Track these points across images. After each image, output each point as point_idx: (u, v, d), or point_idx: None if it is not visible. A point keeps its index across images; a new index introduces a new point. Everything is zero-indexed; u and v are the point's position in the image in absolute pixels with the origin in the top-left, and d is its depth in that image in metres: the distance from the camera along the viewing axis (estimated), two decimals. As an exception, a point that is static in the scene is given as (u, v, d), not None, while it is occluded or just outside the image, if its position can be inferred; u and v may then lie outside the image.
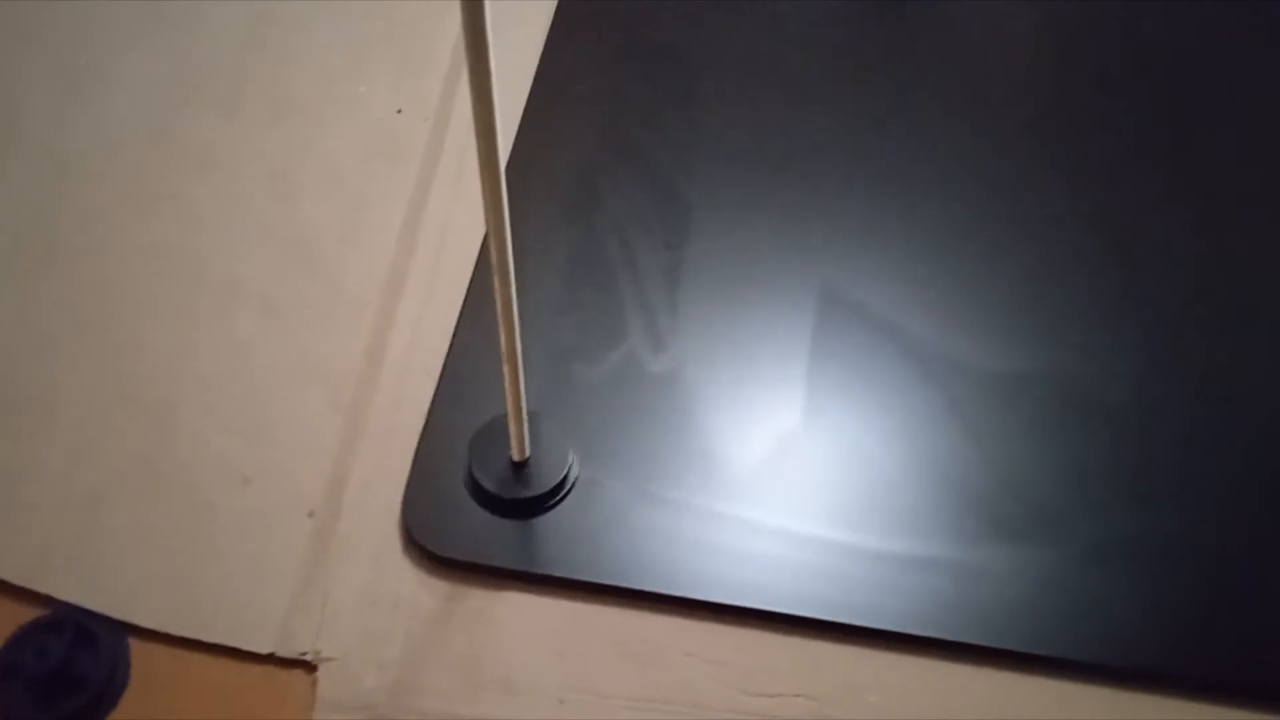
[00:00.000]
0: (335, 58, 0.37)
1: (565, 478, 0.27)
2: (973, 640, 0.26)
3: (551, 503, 0.27)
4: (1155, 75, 0.36)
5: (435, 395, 0.29)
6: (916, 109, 0.35)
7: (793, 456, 0.28)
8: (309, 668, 0.26)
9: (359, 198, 0.33)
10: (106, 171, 0.34)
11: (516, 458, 0.27)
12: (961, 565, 0.27)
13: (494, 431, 0.27)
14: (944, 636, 0.26)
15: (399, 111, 0.35)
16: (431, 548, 0.27)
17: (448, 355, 0.30)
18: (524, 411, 0.26)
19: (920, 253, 0.31)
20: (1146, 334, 0.31)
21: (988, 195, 0.33)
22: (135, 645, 0.25)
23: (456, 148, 0.32)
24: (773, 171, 0.33)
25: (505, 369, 0.24)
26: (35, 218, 0.33)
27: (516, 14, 0.37)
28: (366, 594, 0.26)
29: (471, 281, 0.30)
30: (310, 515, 0.27)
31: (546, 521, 0.27)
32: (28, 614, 0.26)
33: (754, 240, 0.32)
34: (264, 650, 0.26)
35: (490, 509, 0.27)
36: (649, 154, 0.33)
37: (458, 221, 0.32)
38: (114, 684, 0.25)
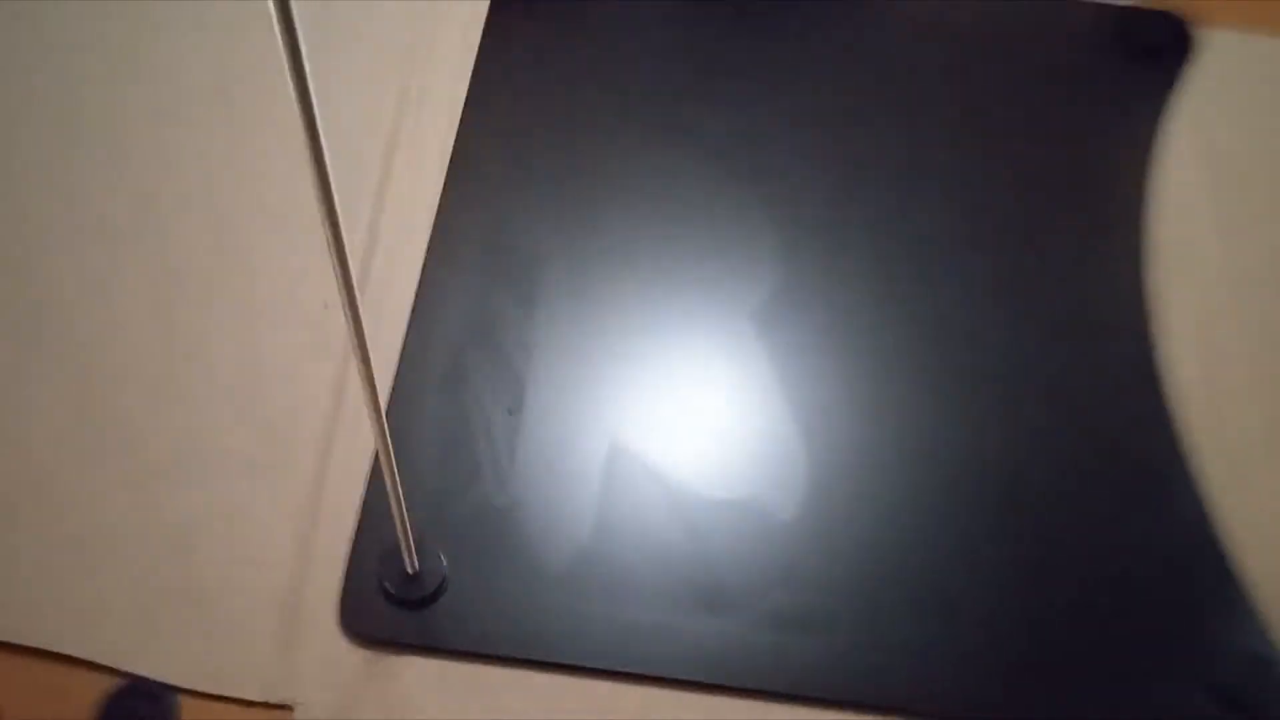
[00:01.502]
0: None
1: (442, 583, 0.40)
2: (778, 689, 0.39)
3: (433, 598, 0.40)
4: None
5: (356, 529, 0.41)
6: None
7: (596, 557, 0.41)
8: (287, 709, 0.38)
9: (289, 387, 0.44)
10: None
11: (409, 571, 0.40)
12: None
13: (394, 552, 0.39)
14: (759, 687, 0.39)
15: (325, 307, 0.46)
16: (355, 628, 0.39)
17: (363, 501, 0.41)
18: (410, 539, 0.38)
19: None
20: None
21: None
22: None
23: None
24: (599, 361, 0.45)
25: (395, 514, 0.37)
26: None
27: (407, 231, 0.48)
28: (313, 659, 0.39)
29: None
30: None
31: (432, 610, 0.40)
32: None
33: (574, 408, 0.44)
34: (255, 699, 0.38)
35: (393, 604, 0.39)
36: (501, 342, 0.45)
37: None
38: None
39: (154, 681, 0.38)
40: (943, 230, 0.49)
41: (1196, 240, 0.50)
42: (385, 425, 0.32)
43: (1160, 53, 0.55)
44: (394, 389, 0.44)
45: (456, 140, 0.50)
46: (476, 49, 0.53)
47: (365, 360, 0.30)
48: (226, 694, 0.38)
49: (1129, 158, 0.52)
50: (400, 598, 0.40)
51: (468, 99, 0.51)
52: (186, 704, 0.38)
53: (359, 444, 0.43)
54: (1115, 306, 0.48)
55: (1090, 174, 0.51)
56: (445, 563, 0.40)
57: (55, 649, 0.39)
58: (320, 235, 0.25)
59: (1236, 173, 0.52)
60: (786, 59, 0.53)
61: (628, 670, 0.39)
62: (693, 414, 0.44)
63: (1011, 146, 0.52)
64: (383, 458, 0.34)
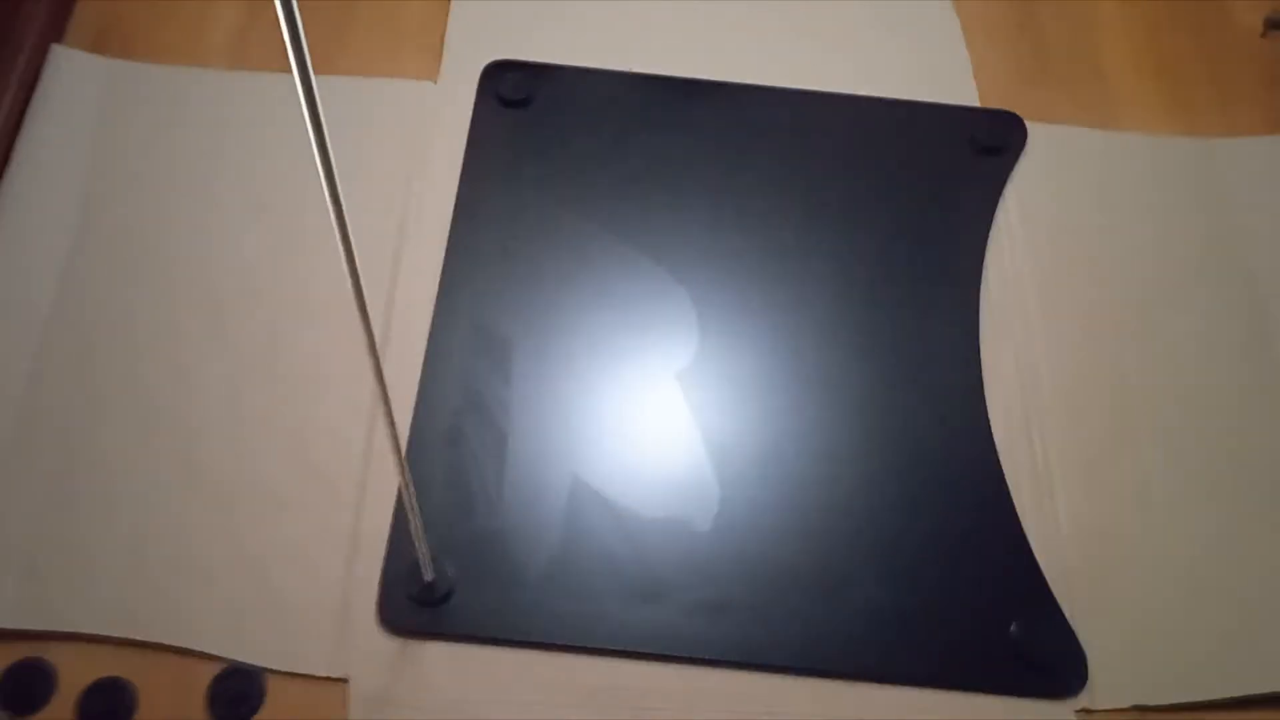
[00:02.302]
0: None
1: (451, 588, 0.52)
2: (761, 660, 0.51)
3: (445, 599, 0.51)
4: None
5: (387, 550, 0.52)
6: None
7: (564, 565, 0.54)
8: (343, 681, 0.50)
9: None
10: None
11: (426, 579, 0.51)
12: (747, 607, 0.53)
13: (415, 566, 0.50)
14: (688, 655, 0.51)
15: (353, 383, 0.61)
16: (390, 622, 0.51)
17: (390, 529, 0.53)
18: (427, 556, 0.49)
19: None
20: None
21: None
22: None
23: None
24: (561, 415, 0.57)
25: (415, 538, 0.49)
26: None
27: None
28: (361, 645, 0.51)
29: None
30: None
31: (445, 608, 0.51)
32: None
33: (544, 452, 0.56)
34: (321, 674, 0.50)
35: (416, 605, 0.51)
36: (488, 404, 0.57)
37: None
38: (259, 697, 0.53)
39: (248, 664, 0.50)
40: (822, 297, 0.63)
41: (1019, 297, 0.63)
42: (407, 471, 0.43)
43: (999, 147, 0.69)
44: (410, 443, 0.57)
45: (449, 241, 0.63)
46: (462, 156, 0.66)
47: (391, 422, 0.40)
48: (301, 671, 0.50)
49: (969, 231, 0.66)
50: (421, 599, 0.52)
51: (456, 203, 0.64)
52: (272, 679, 0.50)
53: (385, 487, 0.54)
54: (952, 351, 0.61)
55: (938, 246, 0.65)
56: (453, 573, 0.52)
57: (177, 644, 0.50)
58: (349, 324, 0.35)
59: (1057, 242, 0.65)
60: (711, 158, 0.67)
61: (588, 646, 0.51)
62: (632, 453, 0.58)
63: (878, 226, 0.65)
64: (405, 496, 0.44)
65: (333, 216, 0.31)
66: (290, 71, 0.28)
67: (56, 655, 0.51)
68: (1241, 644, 0.53)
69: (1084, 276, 0.63)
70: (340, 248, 0.32)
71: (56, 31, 0.67)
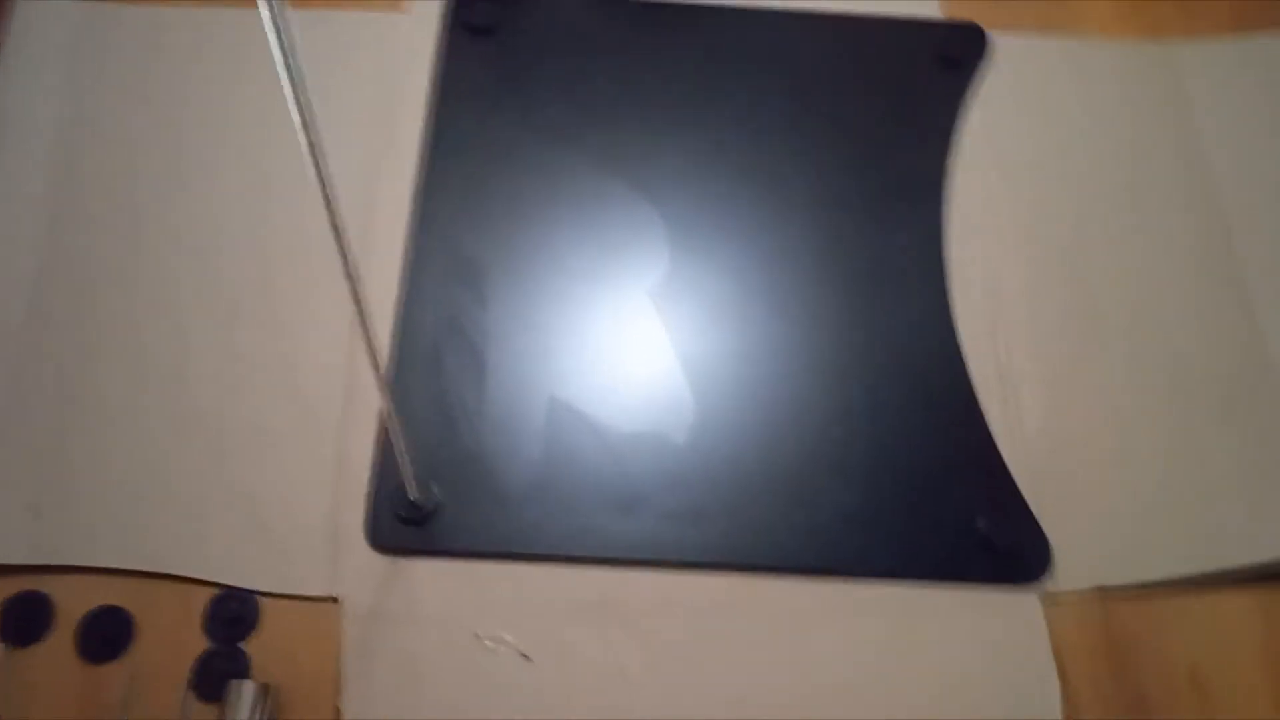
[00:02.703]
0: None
1: (437, 506, 0.53)
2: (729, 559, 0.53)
3: (431, 517, 0.52)
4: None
5: (373, 472, 0.54)
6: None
7: (546, 480, 0.56)
8: (335, 600, 0.51)
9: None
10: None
11: (412, 498, 0.52)
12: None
13: (401, 487, 0.52)
14: (665, 559, 0.53)
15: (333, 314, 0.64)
16: (378, 542, 0.53)
17: (376, 453, 0.54)
18: (412, 477, 0.50)
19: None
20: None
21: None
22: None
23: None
24: (538, 337, 0.58)
25: (400, 460, 0.50)
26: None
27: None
28: (351, 565, 0.52)
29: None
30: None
31: (431, 526, 0.52)
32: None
33: (522, 374, 0.58)
34: (314, 594, 0.52)
35: (403, 524, 0.52)
36: (466, 330, 0.58)
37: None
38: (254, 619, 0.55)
39: (242, 588, 0.52)
40: (791, 216, 0.64)
41: (984, 208, 0.64)
42: (389, 396, 0.44)
43: (961, 59, 0.69)
44: (391, 370, 0.58)
45: (422, 171, 0.64)
46: (433, 86, 0.66)
47: (372, 350, 0.41)
48: (294, 593, 0.52)
49: (934, 144, 0.66)
50: (408, 518, 0.53)
51: (428, 133, 0.64)
52: (267, 602, 0.52)
53: (369, 413, 0.55)
54: (920, 262, 0.63)
55: (903, 160, 0.66)
56: (439, 492, 0.53)
57: (173, 571, 0.52)
58: (326, 258, 0.36)
59: (1020, 153, 0.66)
60: (678, 80, 0.68)
61: (570, 555, 0.53)
62: (609, 370, 0.59)
63: (844, 141, 0.66)
64: (389, 420, 0.45)
65: (306, 151, 0.31)
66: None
67: (53, 587, 0.53)
68: (1196, 530, 0.55)
69: (1048, 185, 0.63)
70: (316, 182, 0.33)
71: (24, -23, 0.67)
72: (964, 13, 0.71)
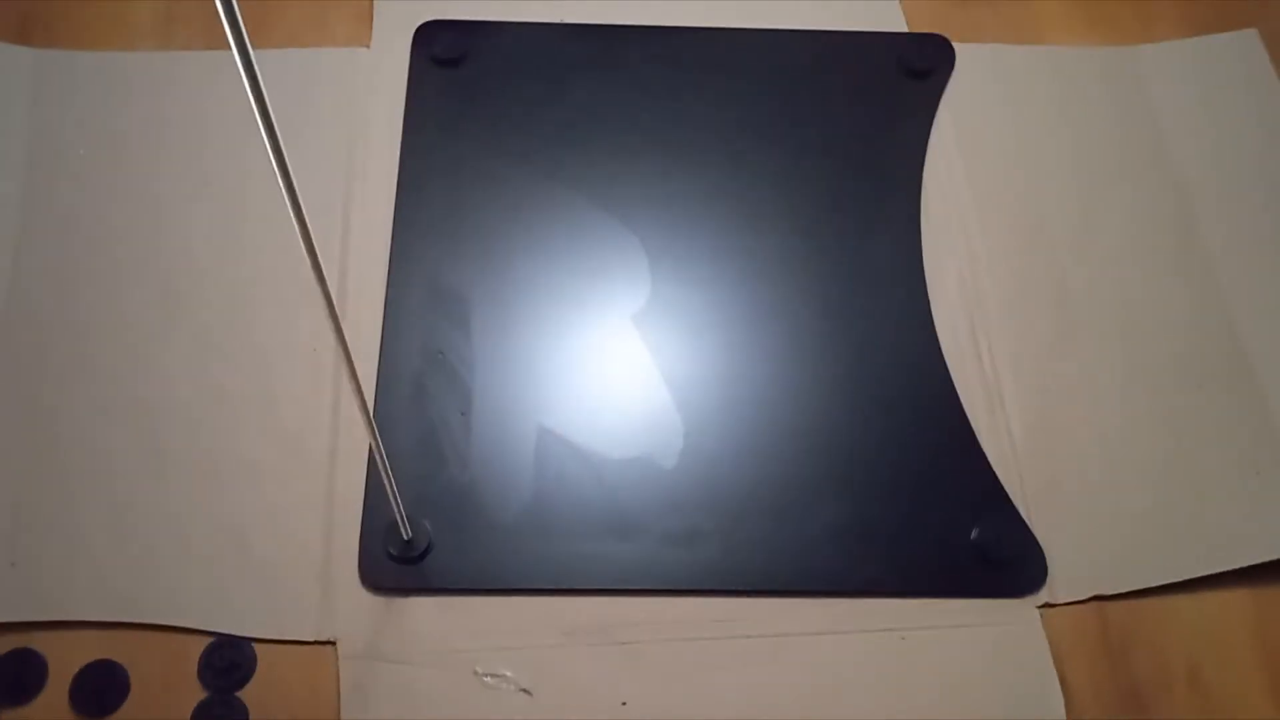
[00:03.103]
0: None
1: (429, 544, 0.53)
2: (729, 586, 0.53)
3: (424, 554, 0.52)
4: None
5: (363, 511, 0.53)
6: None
7: (536, 510, 0.55)
8: (331, 644, 0.51)
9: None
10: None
11: (405, 537, 0.52)
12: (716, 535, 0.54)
13: (392, 525, 0.51)
14: (660, 587, 0.53)
15: (314, 350, 0.58)
16: (372, 582, 0.52)
17: (365, 490, 0.54)
18: (403, 514, 0.50)
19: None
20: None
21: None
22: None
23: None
24: (524, 366, 0.58)
25: (390, 497, 0.49)
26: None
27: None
28: (346, 607, 0.52)
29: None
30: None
31: (424, 563, 0.52)
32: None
33: (509, 403, 0.57)
34: (309, 639, 0.51)
35: (396, 562, 0.52)
36: (450, 361, 0.58)
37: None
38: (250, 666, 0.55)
39: (236, 635, 0.51)
40: (767, 231, 0.64)
41: (958, 214, 0.64)
42: (376, 431, 0.43)
43: (929, 70, 0.70)
44: (375, 405, 0.58)
45: (396, 205, 0.63)
46: (402, 119, 0.66)
47: (357, 386, 0.40)
48: (288, 638, 0.51)
49: (907, 154, 0.67)
50: (401, 557, 0.52)
51: (400, 166, 0.64)
52: (262, 647, 0.51)
53: (356, 450, 0.55)
54: (898, 272, 0.63)
55: (878, 171, 0.66)
56: (430, 528, 0.53)
57: (162, 622, 0.51)
58: (305, 294, 0.37)
59: (989, 157, 0.67)
60: (647, 102, 0.68)
61: (564, 587, 0.53)
62: (595, 397, 0.59)
63: (818, 157, 0.66)
64: (377, 456, 0.44)
65: (282, 188, 0.31)
66: (222, 48, 0.28)
67: (43, 643, 0.52)
68: (1190, 531, 0.56)
69: (1019, 189, 0.64)
70: (293, 218, 0.32)
71: (-24, 26, 0.66)
72: (929, 25, 0.71)
